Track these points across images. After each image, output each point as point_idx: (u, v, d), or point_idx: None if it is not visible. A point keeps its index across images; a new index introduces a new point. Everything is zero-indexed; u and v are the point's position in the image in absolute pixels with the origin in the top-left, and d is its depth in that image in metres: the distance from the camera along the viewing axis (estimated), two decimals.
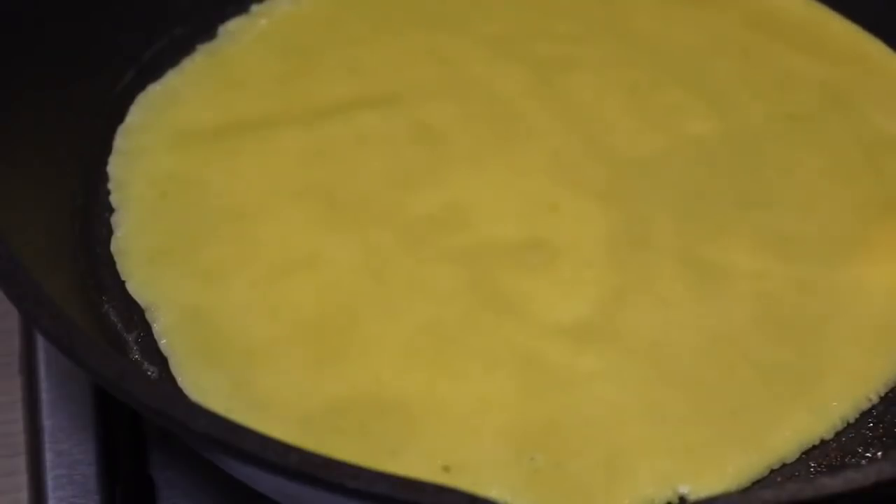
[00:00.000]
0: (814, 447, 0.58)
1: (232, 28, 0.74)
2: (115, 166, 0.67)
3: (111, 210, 0.66)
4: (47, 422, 0.63)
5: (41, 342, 0.66)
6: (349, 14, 0.75)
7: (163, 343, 0.60)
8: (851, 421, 0.59)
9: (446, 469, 0.56)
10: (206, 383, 0.58)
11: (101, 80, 0.70)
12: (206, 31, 0.74)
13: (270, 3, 0.75)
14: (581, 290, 0.62)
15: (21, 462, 0.63)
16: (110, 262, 0.63)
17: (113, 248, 0.64)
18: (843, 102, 0.71)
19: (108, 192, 0.66)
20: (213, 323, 0.60)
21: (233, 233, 0.64)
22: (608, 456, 0.56)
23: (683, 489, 0.56)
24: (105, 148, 0.68)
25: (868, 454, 0.58)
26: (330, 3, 0.76)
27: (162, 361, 0.60)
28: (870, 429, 0.59)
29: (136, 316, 0.62)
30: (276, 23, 0.75)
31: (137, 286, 0.62)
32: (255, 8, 0.75)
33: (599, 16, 0.75)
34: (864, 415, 0.59)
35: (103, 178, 0.67)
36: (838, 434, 0.58)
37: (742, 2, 0.77)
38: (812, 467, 0.57)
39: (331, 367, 0.59)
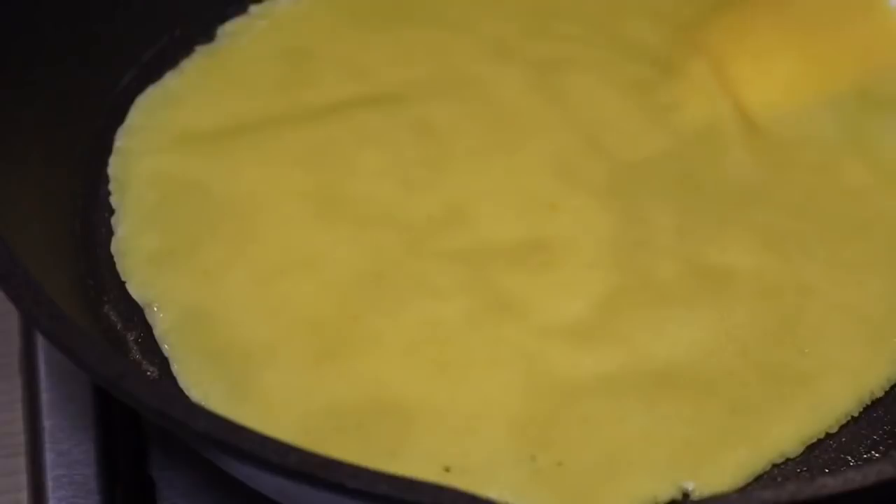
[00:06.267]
0: (818, 441, 0.58)
1: (231, 29, 0.74)
2: (115, 167, 0.67)
3: (111, 210, 0.66)
4: (47, 422, 0.63)
5: (41, 342, 0.66)
6: (349, 14, 0.75)
7: (163, 343, 0.60)
8: (856, 415, 0.59)
9: (447, 469, 0.56)
10: (205, 383, 0.58)
11: (101, 80, 0.70)
12: (206, 32, 0.74)
13: (270, 4, 0.75)
14: (581, 289, 0.62)
15: (21, 462, 0.63)
16: (110, 263, 0.63)
17: (113, 248, 0.64)
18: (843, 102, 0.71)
19: (108, 193, 0.66)
20: (213, 323, 0.60)
21: (233, 233, 0.64)
22: (610, 454, 0.56)
23: (688, 485, 0.56)
24: (105, 148, 0.68)
25: (868, 454, 0.58)
26: (330, 3, 0.76)
27: (162, 361, 0.60)
28: (871, 428, 0.59)
29: (136, 316, 0.62)
30: (275, 23, 0.75)
31: (137, 286, 0.62)
32: (254, 8, 0.75)
33: (599, 16, 0.75)
34: (866, 414, 0.59)
35: (103, 178, 0.67)
36: (842, 427, 0.58)
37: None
38: (814, 465, 0.57)
39: (331, 367, 0.59)
